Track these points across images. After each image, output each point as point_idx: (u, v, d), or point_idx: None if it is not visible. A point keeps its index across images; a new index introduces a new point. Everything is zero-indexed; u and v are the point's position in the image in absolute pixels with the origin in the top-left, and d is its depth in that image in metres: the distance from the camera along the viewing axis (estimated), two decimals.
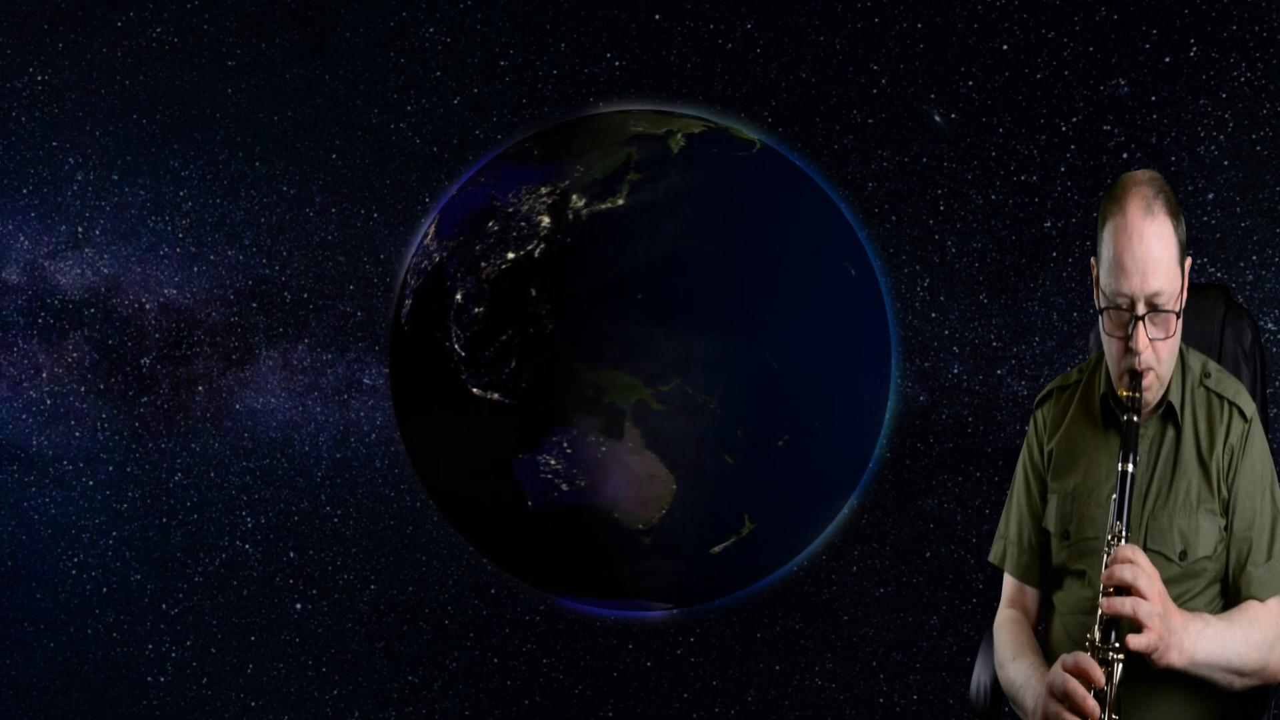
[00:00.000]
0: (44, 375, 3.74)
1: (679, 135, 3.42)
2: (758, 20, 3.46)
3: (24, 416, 3.75)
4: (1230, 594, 1.76)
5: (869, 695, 3.58)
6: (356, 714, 3.77)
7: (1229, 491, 1.76)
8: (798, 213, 3.51)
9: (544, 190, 3.33)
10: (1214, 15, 3.10)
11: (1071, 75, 3.24)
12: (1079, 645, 1.66)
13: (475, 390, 3.29)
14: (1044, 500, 1.90)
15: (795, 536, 3.53)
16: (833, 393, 3.41)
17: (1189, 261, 1.74)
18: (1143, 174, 1.72)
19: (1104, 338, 1.75)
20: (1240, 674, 1.66)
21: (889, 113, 3.41)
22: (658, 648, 3.68)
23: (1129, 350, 1.70)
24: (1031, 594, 1.92)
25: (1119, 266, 1.66)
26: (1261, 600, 1.72)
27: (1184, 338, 1.85)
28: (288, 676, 3.77)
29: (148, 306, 3.73)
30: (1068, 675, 1.58)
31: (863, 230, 3.46)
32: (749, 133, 3.49)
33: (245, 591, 3.76)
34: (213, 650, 3.76)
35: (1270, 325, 3.13)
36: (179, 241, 3.70)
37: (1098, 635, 1.61)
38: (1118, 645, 1.59)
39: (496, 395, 3.27)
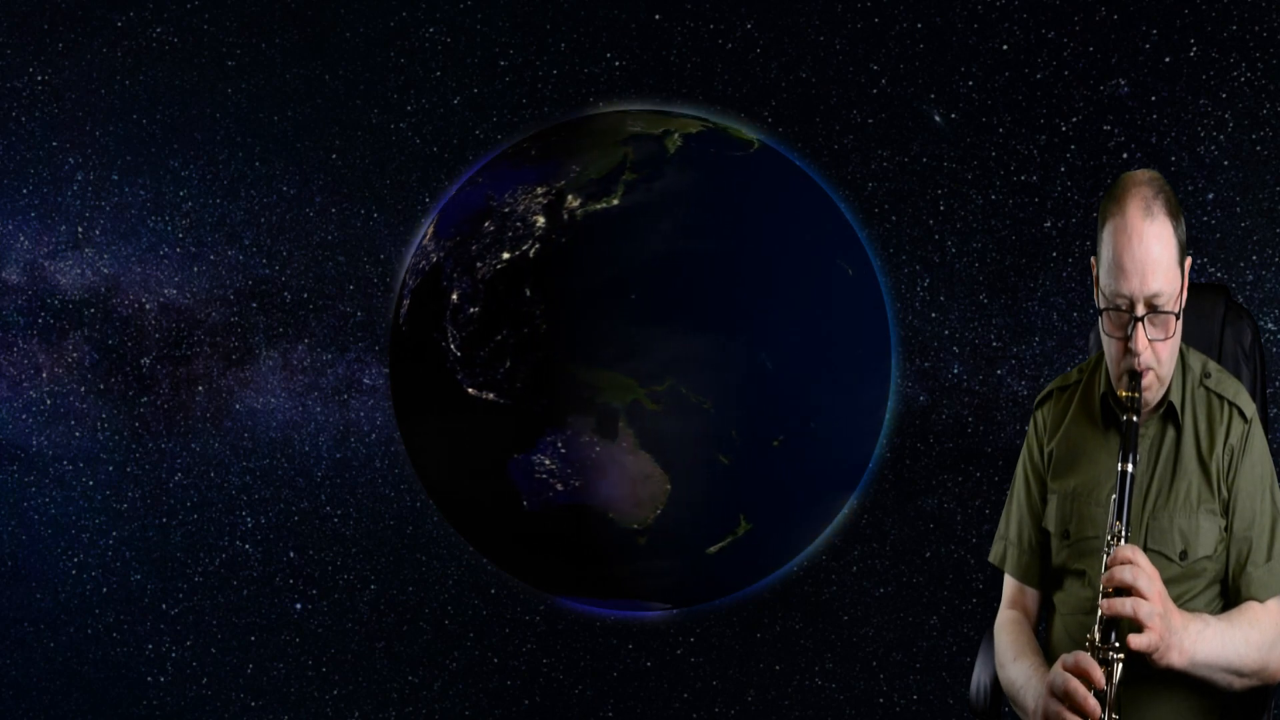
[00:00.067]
0: (44, 375, 3.74)
1: (676, 135, 3.43)
2: (758, 20, 3.46)
3: (24, 416, 3.75)
4: (1230, 594, 1.76)
5: (869, 695, 3.58)
6: (356, 714, 3.77)
7: (1229, 492, 1.76)
8: (796, 213, 3.51)
9: (540, 190, 3.33)
10: (1214, 15, 3.10)
11: (1071, 75, 3.24)
12: (1079, 645, 1.66)
13: (471, 390, 3.29)
14: (1044, 501, 1.90)
15: (793, 537, 3.53)
16: (830, 393, 3.41)
17: (1189, 262, 1.74)
18: (1143, 174, 1.72)
19: (1104, 338, 1.75)
20: (1240, 674, 1.66)
21: (889, 113, 3.41)
22: (658, 648, 3.68)
23: (1128, 351, 1.70)
24: (1032, 594, 1.92)
25: (1118, 267, 1.66)
26: (1261, 601, 1.72)
27: (1184, 338, 1.85)
28: (288, 676, 3.77)
29: (148, 306, 3.73)
30: (1068, 675, 1.58)
31: (863, 230, 3.46)
32: (748, 133, 3.49)
33: (245, 591, 3.76)
34: (213, 650, 3.76)
35: (1270, 325, 3.13)
36: (179, 241, 3.70)
37: (1098, 635, 1.61)
38: (1118, 645, 1.59)
39: (491, 395, 3.27)
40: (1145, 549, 1.73)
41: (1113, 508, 1.66)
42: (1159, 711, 1.72)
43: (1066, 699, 1.58)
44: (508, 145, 3.53)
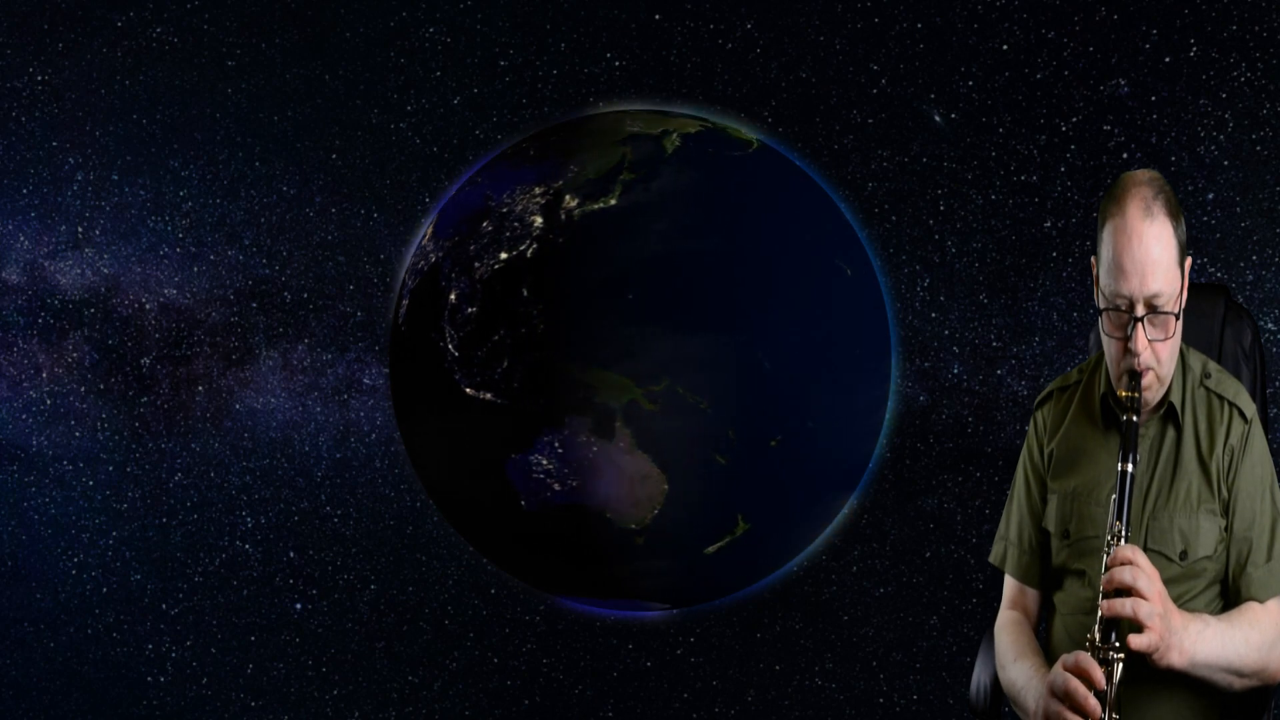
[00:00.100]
0: (44, 375, 3.74)
1: (674, 135, 3.42)
2: (758, 20, 3.46)
3: (24, 416, 3.75)
4: (1230, 595, 1.76)
5: (869, 695, 3.58)
6: (356, 714, 3.77)
7: (1229, 492, 1.76)
8: (796, 213, 3.51)
9: (538, 190, 3.34)
10: (1214, 15, 3.10)
11: (1071, 75, 3.24)
12: (1080, 645, 1.66)
13: (468, 390, 3.30)
14: (1044, 501, 1.90)
15: (792, 537, 3.53)
16: (829, 393, 3.41)
17: (1189, 262, 1.74)
18: (1142, 174, 1.72)
19: (1104, 338, 1.75)
20: (1240, 675, 1.66)
21: (889, 113, 3.41)
22: (658, 648, 3.68)
23: (1128, 351, 1.70)
24: (1032, 595, 1.92)
25: (1118, 268, 1.66)
26: (1261, 601, 1.72)
27: (1184, 338, 1.85)
28: (288, 676, 3.77)
29: (148, 306, 3.73)
30: (1069, 674, 1.58)
31: (863, 230, 3.46)
32: (748, 132, 3.49)
33: (245, 591, 3.76)
34: (213, 650, 3.76)
35: (1270, 325, 3.13)
36: (179, 241, 3.70)
37: (1098, 635, 1.61)
38: (1118, 645, 1.59)
39: (489, 395, 3.27)
40: (1145, 549, 1.73)
41: (1113, 508, 1.66)
42: (1159, 711, 1.72)
43: (1067, 699, 1.58)
44: (507, 145, 3.54)
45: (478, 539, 3.62)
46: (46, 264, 3.72)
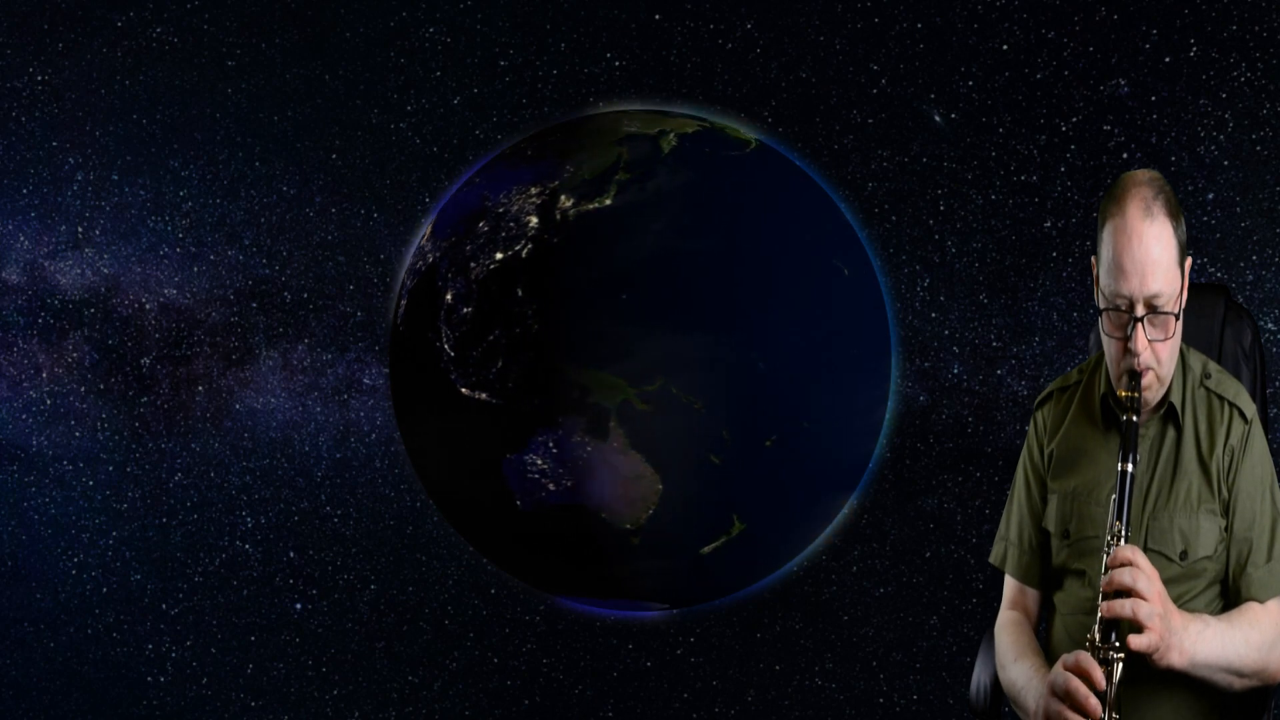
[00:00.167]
0: (44, 375, 3.74)
1: (671, 135, 3.42)
2: (758, 20, 3.46)
3: (24, 416, 3.75)
4: (1230, 595, 1.76)
5: (869, 695, 3.58)
6: (356, 714, 3.77)
7: (1229, 492, 1.76)
8: (795, 212, 3.51)
9: (534, 191, 3.34)
10: (1214, 15, 3.10)
11: (1071, 75, 3.24)
12: (1080, 645, 1.66)
13: (464, 390, 3.30)
14: (1044, 501, 1.90)
15: (789, 537, 3.53)
16: (828, 393, 3.41)
17: (1189, 262, 1.74)
18: (1142, 174, 1.72)
19: (1104, 338, 1.75)
20: (1240, 675, 1.66)
21: (889, 113, 3.41)
22: (657, 648, 3.68)
23: (1128, 351, 1.70)
24: (1032, 595, 1.92)
25: (1118, 268, 1.66)
26: (1261, 602, 1.72)
27: (1184, 338, 1.85)
28: (288, 676, 3.77)
29: (148, 306, 3.73)
30: (1069, 674, 1.58)
31: (863, 230, 3.46)
32: (747, 132, 3.49)
33: (245, 591, 3.76)
34: (213, 650, 3.76)
35: (1270, 325, 3.13)
36: (179, 241, 3.70)
37: (1098, 635, 1.61)
38: (1118, 645, 1.59)
39: (484, 395, 3.27)
40: (1145, 549, 1.73)
41: (1113, 508, 1.66)
42: (1159, 712, 1.72)
43: (1068, 698, 1.58)
44: (507, 146, 3.54)
45: (477, 539, 3.62)
46: (46, 264, 3.73)
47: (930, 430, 3.50)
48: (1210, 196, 3.15)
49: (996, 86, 3.32)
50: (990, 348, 3.44)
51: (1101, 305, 1.72)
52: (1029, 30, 3.26)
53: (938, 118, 3.36)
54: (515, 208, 3.31)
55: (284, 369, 3.74)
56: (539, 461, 3.27)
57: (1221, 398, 1.79)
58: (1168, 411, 1.80)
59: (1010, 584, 1.95)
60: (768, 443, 3.30)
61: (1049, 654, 1.84)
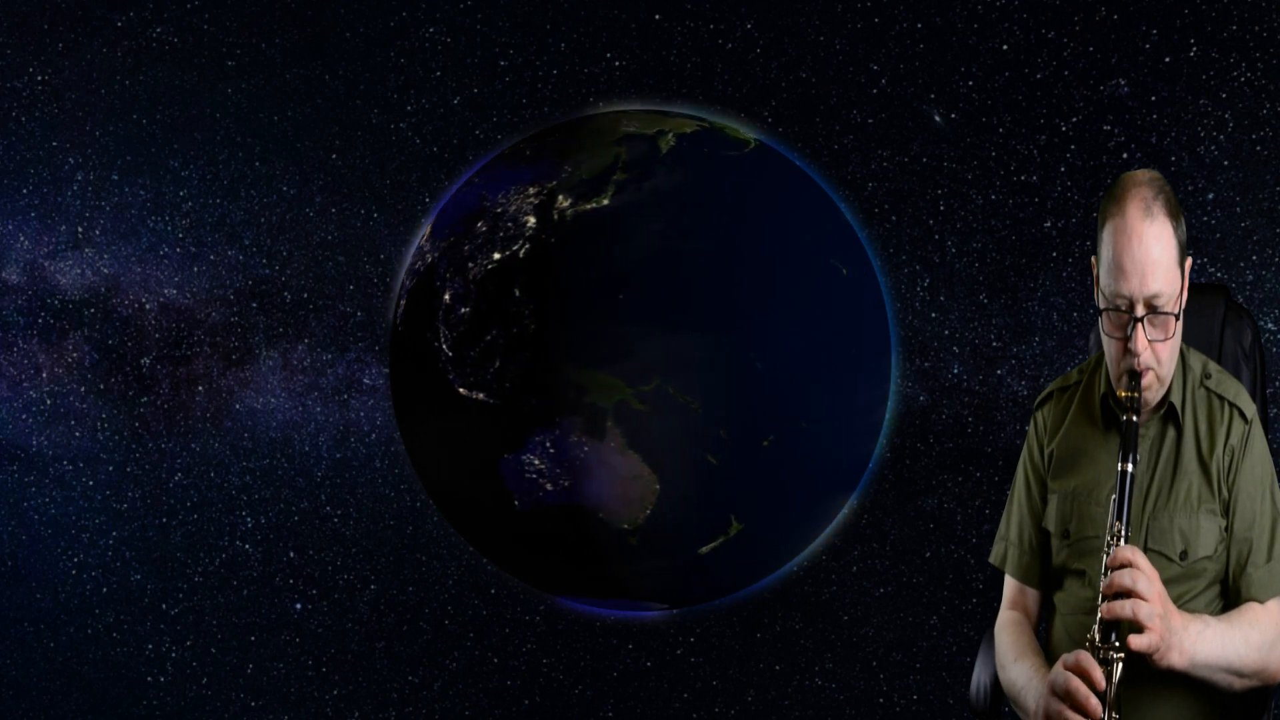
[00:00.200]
0: (44, 375, 3.74)
1: (669, 135, 3.42)
2: (758, 20, 3.46)
3: (24, 416, 3.75)
4: (1230, 595, 1.76)
5: (869, 695, 3.58)
6: (356, 714, 3.77)
7: (1229, 492, 1.76)
8: (795, 212, 3.51)
9: (532, 191, 3.34)
10: (1214, 15, 3.10)
11: (1071, 75, 3.24)
12: (1080, 645, 1.66)
13: (462, 390, 3.30)
14: (1044, 501, 1.90)
15: (788, 537, 3.53)
16: (828, 393, 3.41)
17: (1189, 262, 1.74)
18: (1142, 174, 1.72)
19: (1104, 338, 1.75)
20: (1240, 675, 1.66)
21: (889, 113, 3.41)
22: (657, 648, 3.68)
23: (1128, 351, 1.70)
24: (1032, 595, 1.92)
25: (1118, 268, 1.66)
26: (1261, 602, 1.72)
27: (1184, 338, 1.85)
28: (288, 676, 3.77)
29: (148, 306, 3.73)
30: (1069, 674, 1.58)
31: (862, 230, 3.46)
32: (746, 132, 3.49)
33: (245, 591, 3.76)
34: (213, 650, 3.76)
35: (1270, 325, 3.13)
36: (179, 241, 3.70)
37: (1098, 635, 1.61)
38: (1118, 645, 1.59)
39: (481, 395, 3.27)
40: (1145, 549, 1.73)
41: (1113, 508, 1.66)
42: (1159, 712, 1.72)
43: (1068, 698, 1.58)
44: (506, 146, 3.54)
45: (477, 539, 3.62)
46: (46, 264, 3.73)
47: (930, 430, 3.50)
48: (1210, 196, 3.15)
49: (996, 86, 3.32)
50: (990, 348, 3.44)
51: (1101, 305, 1.72)
52: (1029, 30, 3.27)
53: (938, 118, 3.36)
54: (513, 208, 3.31)
55: (284, 369, 3.74)
56: (537, 461, 3.27)
57: (1221, 398, 1.79)
58: (1168, 411, 1.80)
59: (1010, 584, 1.95)
60: (765, 443, 3.30)
61: (1049, 654, 1.84)
